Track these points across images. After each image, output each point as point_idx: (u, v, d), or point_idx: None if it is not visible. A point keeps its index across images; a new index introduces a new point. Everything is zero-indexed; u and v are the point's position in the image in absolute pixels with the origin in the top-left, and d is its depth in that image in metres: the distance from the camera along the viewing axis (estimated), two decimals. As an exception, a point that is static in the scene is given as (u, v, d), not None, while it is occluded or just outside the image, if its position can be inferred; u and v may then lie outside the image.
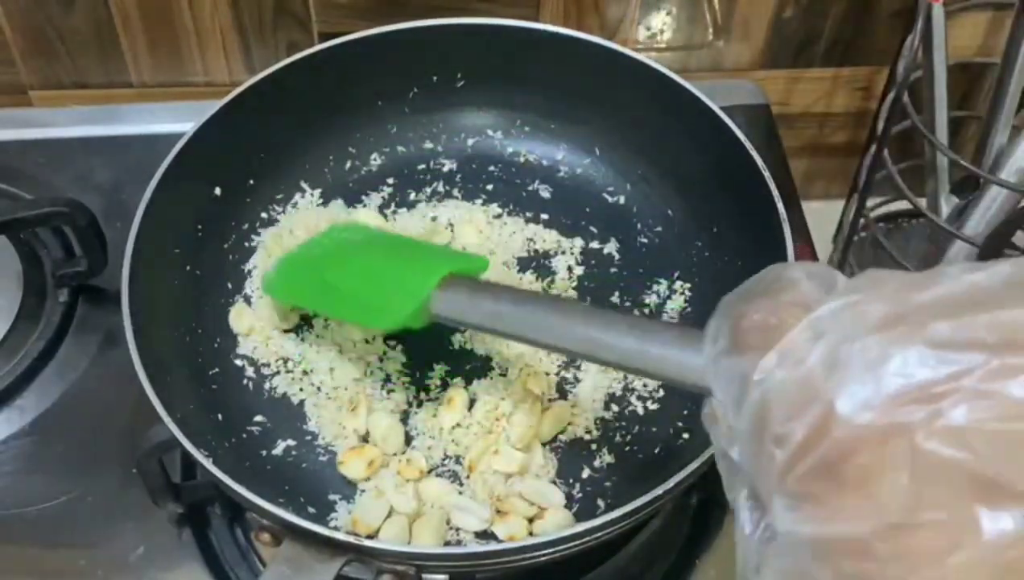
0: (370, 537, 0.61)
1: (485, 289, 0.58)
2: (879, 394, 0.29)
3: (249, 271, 0.75)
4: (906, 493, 0.27)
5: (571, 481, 0.66)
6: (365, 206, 0.79)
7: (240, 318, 0.72)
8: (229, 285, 0.75)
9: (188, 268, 0.72)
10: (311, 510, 0.64)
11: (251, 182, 0.78)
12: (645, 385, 0.70)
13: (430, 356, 0.71)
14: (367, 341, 0.71)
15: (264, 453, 0.67)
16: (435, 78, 0.81)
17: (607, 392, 0.69)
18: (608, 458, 0.67)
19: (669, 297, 0.74)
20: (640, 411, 0.69)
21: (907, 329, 0.29)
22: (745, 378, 0.32)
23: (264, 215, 0.78)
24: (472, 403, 0.68)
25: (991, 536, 0.26)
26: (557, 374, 0.70)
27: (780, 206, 0.66)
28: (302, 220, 0.78)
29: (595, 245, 0.77)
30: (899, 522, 0.27)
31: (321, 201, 0.79)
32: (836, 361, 0.30)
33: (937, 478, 0.27)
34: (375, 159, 0.82)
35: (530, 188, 0.81)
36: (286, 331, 0.72)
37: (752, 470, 0.32)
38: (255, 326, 0.72)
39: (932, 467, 0.27)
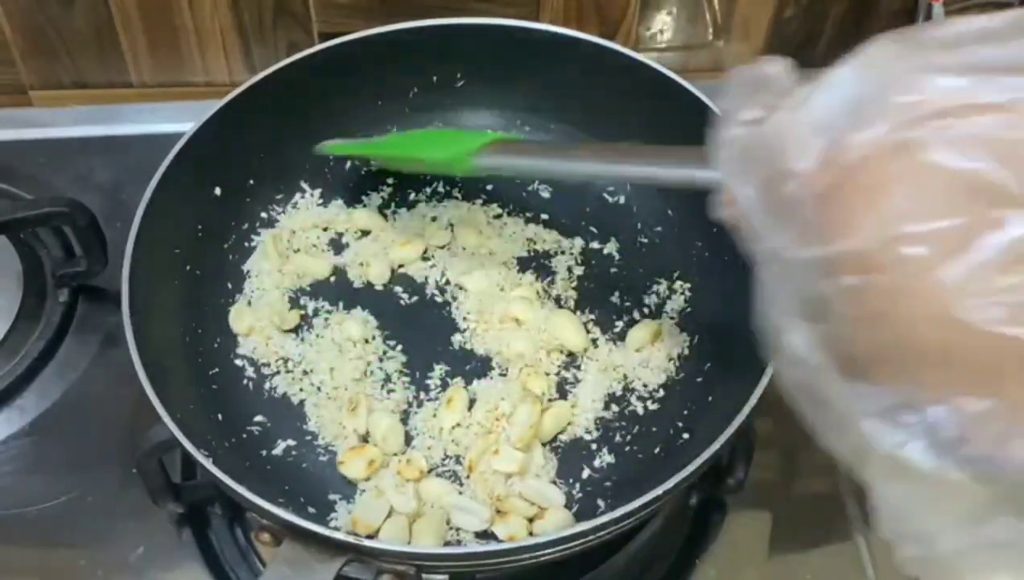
0: (370, 537, 0.61)
1: (521, 146, 0.69)
2: (886, 116, 0.29)
3: (249, 271, 0.75)
4: (910, 204, 0.27)
5: (571, 481, 0.66)
6: (365, 206, 0.79)
7: (240, 318, 0.72)
8: (229, 285, 0.75)
9: (188, 268, 0.72)
10: (311, 510, 0.64)
11: (251, 182, 0.78)
12: (645, 385, 0.70)
13: (430, 356, 0.71)
14: (367, 341, 0.71)
15: (264, 453, 0.67)
16: (435, 78, 0.81)
17: (607, 392, 0.69)
18: (608, 458, 0.67)
19: (669, 297, 0.74)
20: (640, 411, 0.69)
21: (915, 59, 0.29)
22: (757, 132, 0.33)
23: (264, 215, 0.78)
24: (472, 403, 0.68)
25: (994, 240, 0.26)
26: (557, 374, 0.70)
27: (780, 206, 0.66)
28: (302, 220, 0.78)
29: (595, 245, 0.77)
30: (900, 233, 0.27)
31: (321, 201, 0.79)
32: (844, 97, 0.30)
33: (943, 189, 0.27)
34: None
35: (530, 188, 0.81)
36: (286, 331, 0.72)
37: (768, 222, 0.32)
38: (255, 326, 0.72)
39: (938, 179, 0.27)
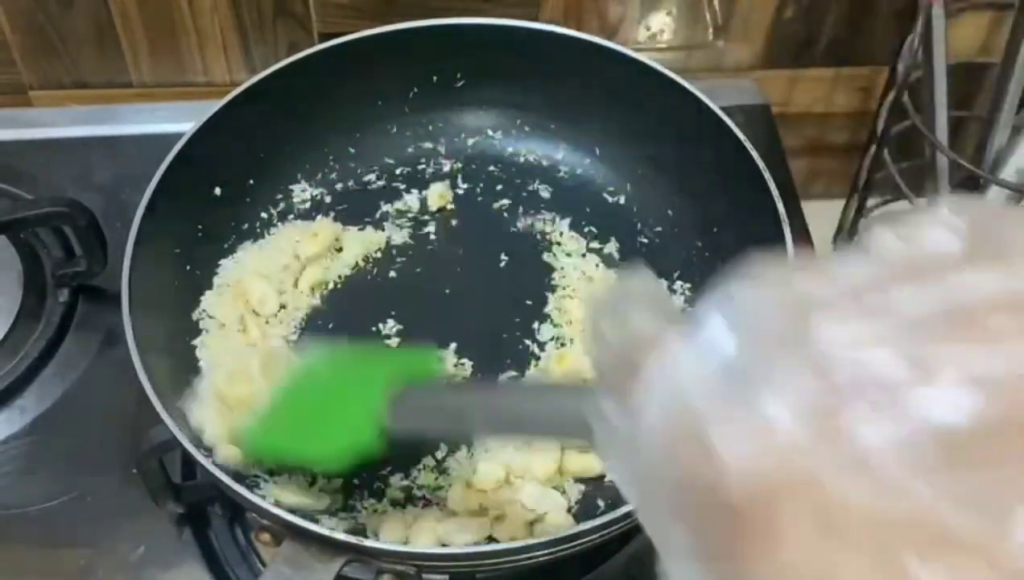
0: (370, 537, 0.61)
1: (422, 398, 0.55)
2: (768, 431, 0.23)
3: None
4: (817, 560, 0.22)
5: (571, 481, 0.66)
6: (364, 204, 0.79)
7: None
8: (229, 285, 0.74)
9: (188, 268, 0.72)
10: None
11: (251, 182, 0.78)
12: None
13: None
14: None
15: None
16: (435, 78, 0.81)
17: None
18: (608, 458, 0.67)
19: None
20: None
21: (792, 335, 0.24)
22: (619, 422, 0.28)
23: (264, 215, 0.78)
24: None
25: None
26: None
27: (780, 206, 0.66)
28: (302, 221, 0.78)
29: (595, 245, 0.77)
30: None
31: (321, 202, 0.79)
32: (710, 389, 0.25)
33: (854, 532, 0.22)
34: (375, 159, 0.82)
35: (530, 188, 0.81)
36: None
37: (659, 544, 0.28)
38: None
39: (846, 520, 0.22)
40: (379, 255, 0.77)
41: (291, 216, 0.78)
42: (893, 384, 0.22)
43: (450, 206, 0.80)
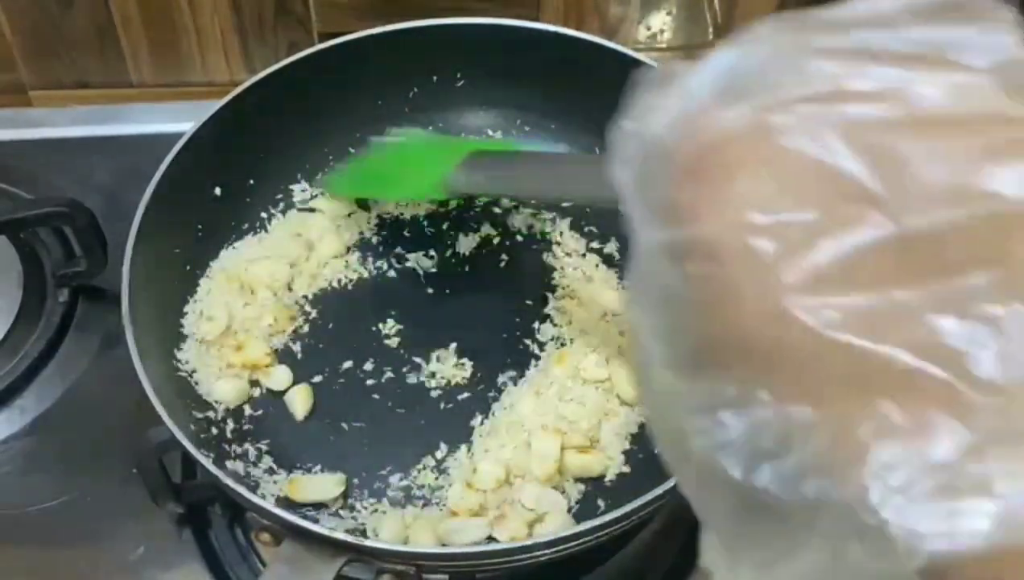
0: (370, 537, 0.61)
1: (491, 163, 0.67)
2: (755, 96, 0.27)
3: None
4: (761, 192, 0.25)
5: (571, 482, 0.66)
6: (366, 207, 0.79)
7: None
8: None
9: (188, 268, 0.72)
10: (311, 511, 0.64)
11: (251, 182, 0.78)
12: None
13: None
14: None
15: (264, 453, 0.67)
16: (435, 78, 0.81)
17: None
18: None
19: (669, 297, 0.74)
20: (640, 411, 0.69)
21: (799, 40, 0.28)
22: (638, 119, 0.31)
23: (264, 215, 0.78)
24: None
25: (841, 240, 0.24)
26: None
27: (780, 206, 0.66)
28: (301, 222, 0.78)
29: (595, 245, 0.77)
30: (747, 222, 0.25)
31: (320, 202, 0.79)
32: (719, 74, 0.29)
33: (798, 178, 0.25)
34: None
35: (530, 188, 0.81)
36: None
37: (642, 211, 0.30)
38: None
39: (795, 167, 0.25)
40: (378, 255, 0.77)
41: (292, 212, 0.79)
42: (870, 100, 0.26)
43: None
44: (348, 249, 0.77)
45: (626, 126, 0.32)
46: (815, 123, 0.26)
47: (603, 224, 0.78)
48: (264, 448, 0.67)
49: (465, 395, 0.69)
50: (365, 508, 0.65)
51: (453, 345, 0.71)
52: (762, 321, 0.25)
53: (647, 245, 0.28)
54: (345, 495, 0.65)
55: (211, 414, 0.67)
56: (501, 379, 0.70)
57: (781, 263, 0.25)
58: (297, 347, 0.72)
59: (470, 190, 0.70)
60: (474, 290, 0.75)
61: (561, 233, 0.78)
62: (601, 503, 0.65)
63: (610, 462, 0.66)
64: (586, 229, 0.78)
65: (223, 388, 0.68)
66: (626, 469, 0.66)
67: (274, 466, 0.66)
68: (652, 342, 0.28)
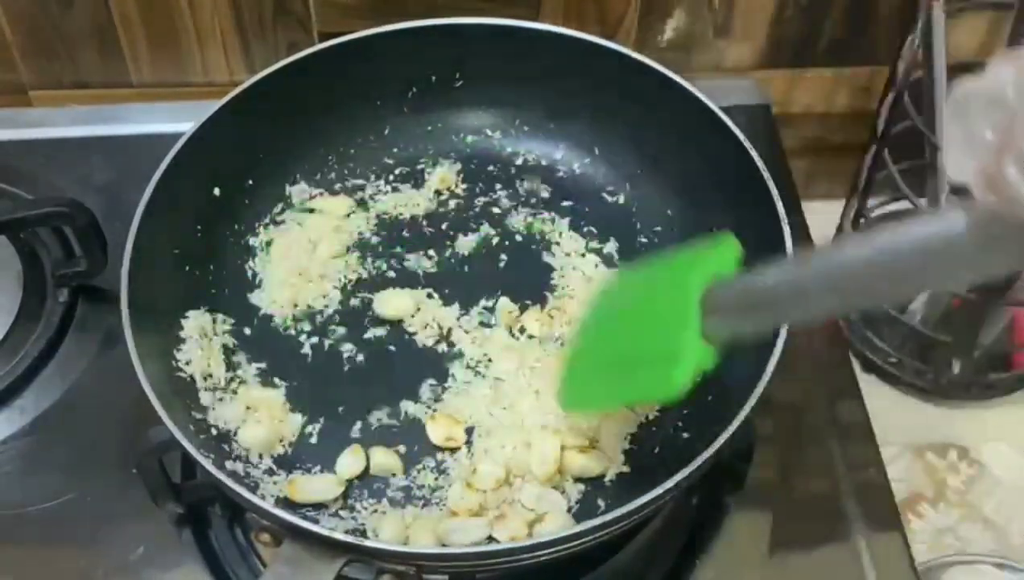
0: (369, 537, 0.61)
1: (746, 287, 0.51)
2: None
3: (249, 270, 0.76)
4: None
5: (571, 482, 0.66)
6: (365, 207, 0.79)
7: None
8: (228, 286, 0.74)
9: (188, 268, 0.72)
10: (311, 511, 0.64)
11: (251, 182, 0.78)
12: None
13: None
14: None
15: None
16: (434, 78, 0.81)
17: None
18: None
19: (669, 297, 0.74)
20: (639, 410, 0.69)
21: None
22: None
23: (264, 215, 0.78)
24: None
25: None
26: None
27: (780, 206, 0.66)
28: (302, 220, 0.78)
29: (595, 245, 0.77)
30: None
31: (320, 202, 0.79)
32: None
33: None
34: (374, 159, 0.82)
35: (529, 188, 0.81)
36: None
37: None
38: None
39: None
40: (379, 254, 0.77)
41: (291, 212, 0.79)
42: None
43: (453, 189, 0.80)
44: (348, 249, 0.77)
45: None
46: None
47: (603, 224, 0.78)
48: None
49: (464, 394, 0.70)
50: (365, 508, 0.65)
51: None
52: None
53: None
54: (345, 495, 0.65)
55: (211, 415, 0.67)
56: (500, 379, 0.70)
57: None
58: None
59: (738, 332, 0.52)
60: (474, 290, 0.75)
61: (560, 233, 0.78)
62: (601, 503, 0.65)
63: (610, 462, 0.66)
64: (585, 229, 0.78)
65: (248, 434, 0.67)
66: (626, 469, 0.66)
67: (274, 466, 0.66)
68: None
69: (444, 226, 0.79)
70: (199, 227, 0.74)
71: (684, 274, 0.53)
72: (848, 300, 0.47)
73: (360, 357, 0.72)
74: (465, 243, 0.77)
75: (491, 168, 0.82)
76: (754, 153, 0.69)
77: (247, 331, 0.73)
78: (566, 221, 0.78)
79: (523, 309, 0.73)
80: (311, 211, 0.79)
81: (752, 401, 0.58)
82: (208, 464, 0.58)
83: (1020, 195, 0.33)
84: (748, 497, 0.71)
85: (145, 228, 0.66)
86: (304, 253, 0.76)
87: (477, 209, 0.79)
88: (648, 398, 0.61)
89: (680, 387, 0.52)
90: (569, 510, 0.64)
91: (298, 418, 0.68)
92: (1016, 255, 0.35)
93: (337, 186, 0.80)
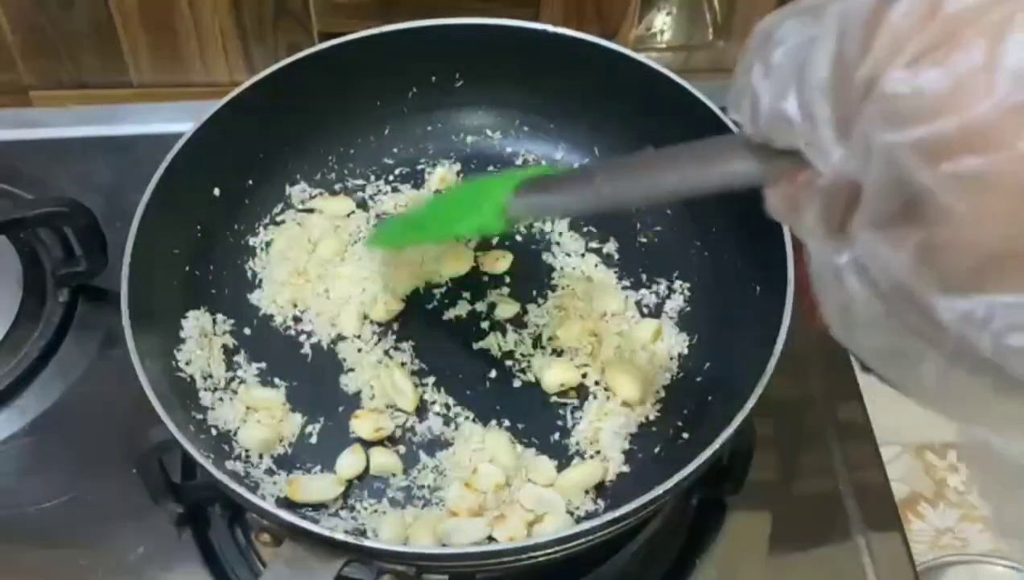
0: (369, 537, 0.61)
1: (550, 183, 0.57)
2: None
3: (249, 271, 0.76)
4: None
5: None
6: (365, 207, 0.79)
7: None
8: (228, 286, 0.74)
9: (188, 268, 0.72)
10: (311, 511, 0.64)
11: (251, 182, 0.78)
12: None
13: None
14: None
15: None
16: (434, 78, 0.81)
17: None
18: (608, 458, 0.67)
19: (668, 297, 0.74)
20: (640, 410, 0.69)
21: None
22: (807, 32, 0.29)
23: (264, 215, 0.78)
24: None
25: None
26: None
27: (780, 206, 0.66)
28: (302, 220, 0.78)
29: (594, 245, 0.77)
30: None
31: (320, 202, 0.79)
32: None
33: None
34: (374, 159, 0.82)
35: (530, 188, 0.81)
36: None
37: (822, 110, 0.26)
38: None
39: None
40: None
41: (292, 211, 0.79)
42: None
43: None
44: (347, 249, 0.77)
45: (780, 28, 0.30)
46: None
47: (602, 224, 0.78)
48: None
49: (463, 395, 0.70)
50: (365, 508, 0.65)
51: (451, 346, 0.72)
52: None
53: (881, 148, 0.24)
54: (345, 495, 0.65)
55: (211, 415, 0.68)
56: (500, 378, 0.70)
57: None
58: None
59: (535, 214, 0.66)
60: (473, 290, 0.75)
61: (560, 233, 0.78)
62: (601, 503, 0.65)
63: (610, 462, 0.66)
64: (585, 229, 0.78)
65: (249, 434, 0.67)
66: (626, 469, 0.66)
67: (274, 466, 0.66)
68: (894, 273, 0.25)
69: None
70: (199, 227, 0.74)
71: (500, 177, 0.61)
72: (627, 192, 0.51)
73: (360, 357, 0.72)
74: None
75: (491, 168, 0.82)
76: (754, 153, 0.69)
77: (247, 331, 0.73)
78: (566, 221, 0.78)
79: (524, 310, 0.73)
80: (311, 211, 0.79)
81: (752, 401, 0.58)
82: (208, 464, 0.58)
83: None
84: (748, 497, 0.71)
85: (145, 228, 0.66)
86: (304, 253, 0.76)
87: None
88: (435, 237, 0.73)
89: (463, 232, 0.69)
90: (569, 510, 0.64)
91: (298, 418, 0.68)
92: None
93: (337, 186, 0.81)
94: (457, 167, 0.81)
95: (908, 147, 0.23)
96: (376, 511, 0.64)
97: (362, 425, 0.67)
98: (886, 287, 0.26)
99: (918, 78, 0.23)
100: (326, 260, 0.75)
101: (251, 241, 0.77)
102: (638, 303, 0.74)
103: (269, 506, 0.56)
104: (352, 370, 0.70)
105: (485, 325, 0.73)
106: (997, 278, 0.23)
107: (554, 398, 0.69)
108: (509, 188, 0.57)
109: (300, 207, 0.79)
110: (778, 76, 0.31)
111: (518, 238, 0.78)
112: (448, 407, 0.69)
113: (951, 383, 0.27)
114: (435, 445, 0.67)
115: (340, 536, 0.54)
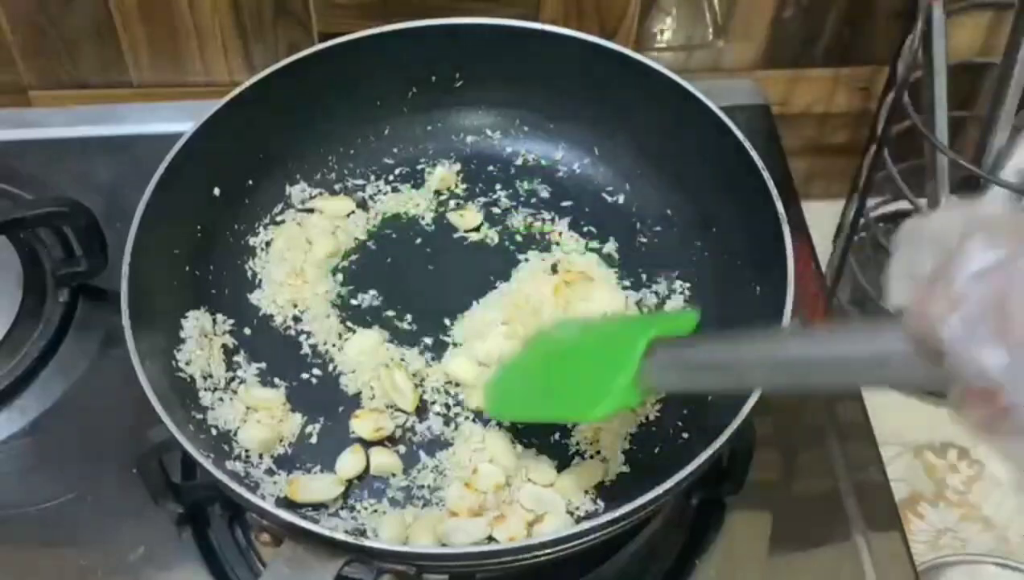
0: (369, 537, 0.61)
1: (687, 350, 0.54)
2: None
3: (249, 270, 0.76)
4: None
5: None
6: (365, 207, 0.79)
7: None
8: (228, 286, 0.74)
9: (188, 268, 0.72)
10: (311, 511, 0.64)
11: (250, 182, 0.78)
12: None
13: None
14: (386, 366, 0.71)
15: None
16: (434, 78, 0.81)
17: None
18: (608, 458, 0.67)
19: (669, 297, 0.74)
20: (640, 410, 0.69)
21: None
22: None
23: (264, 215, 0.78)
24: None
25: None
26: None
27: (780, 206, 0.66)
28: (301, 220, 0.78)
29: (595, 245, 0.77)
30: None
31: (320, 202, 0.79)
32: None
33: None
34: (374, 159, 0.82)
35: (528, 187, 0.81)
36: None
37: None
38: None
39: None
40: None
41: (292, 211, 0.79)
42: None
43: (453, 189, 0.80)
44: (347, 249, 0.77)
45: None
46: None
47: (603, 224, 0.78)
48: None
49: (463, 395, 0.70)
50: (365, 508, 0.65)
51: (451, 343, 0.71)
52: None
53: None
54: (345, 495, 0.65)
55: (211, 415, 0.68)
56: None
57: None
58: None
59: (671, 387, 0.61)
60: (473, 290, 0.75)
61: (561, 233, 0.78)
62: (601, 503, 0.65)
63: (610, 462, 0.66)
64: (585, 229, 0.78)
65: (249, 434, 0.67)
66: (626, 469, 0.66)
67: (274, 466, 0.66)
68: None
69: (444, 225, 0.79)
70: (199, 227, 0.74)
71: (637, 326, 0.57)
72: (775, 382, 0.52)
73: (360, 357, 0.72)
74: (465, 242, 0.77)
75: (491, 168, 0.82)
76: (754, 153, 0.69)
77: (247, 331, 0.73)
78: (566, 221, 0.78)
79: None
80: (311, 211, 0.79)
81: (752, 401, 0.58)
82: (208, 464, 0.58)
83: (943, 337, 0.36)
84: (748, 497, 0.71)
85: (145, 228, 0.66)
86: (304, 253, 0.76)
87: (477, 209, 0.79)
88: (567, 418, 0.65)
89: (599, 416, 0.56)
90: (569, 510, 0.64)
91: (298, 418, 0.68)
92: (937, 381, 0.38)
93: (337, 186, 0.81)
94: (457, 167, 0.81)
95: None
96: (376, 511, 0.64)
97: (362, 425, 0.67)
98: None
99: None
100: (324, 260, 0.76)
101: (251, 241, 0.77)
102: (638, 303, 0.74)
103: (269, 506, 0.56)
104: (352, 370, 0.70)
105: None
106: None
107: (554, 398, 0.69)
108: (643, 345, 0.52)
109: (300, 207, 0.79)
110: (969, 317, 0.35)
111: (518, 238, 0.78)
112: (448, 407, 0.69)
113: None
114: (435, 445, 0.67)
115: (340, 536, 0.54)
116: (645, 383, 0.53)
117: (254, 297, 0.74)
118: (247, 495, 0.56)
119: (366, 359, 0.70)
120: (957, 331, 0.35)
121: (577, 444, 0.67)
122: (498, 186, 0.81)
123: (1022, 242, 0.34)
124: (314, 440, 0.68)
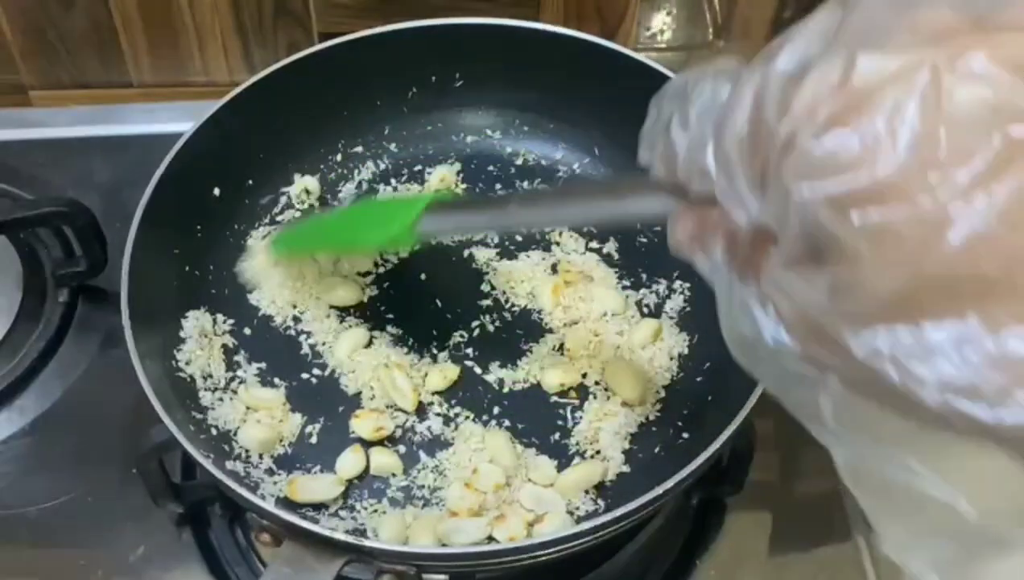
0: (369, 537, 0.61)
1: (463, 204, 0.63)
2: (898, 39, 0.27)
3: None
4: (934, 126, 0.26)
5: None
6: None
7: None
8: (228, 286, 0.74)
9: (188, 268, 0.72)
10: (311, 511, 0.64)
11: (250, 182, 0.78)
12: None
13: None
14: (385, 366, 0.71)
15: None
16: (434, 78, 0.81)
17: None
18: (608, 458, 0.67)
19: (668, 297, 0.74)
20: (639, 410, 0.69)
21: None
22: (734, 83, 0.31)
23: (264, 215, 0.78)
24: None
25: None
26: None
27: (780, 206, 0.66)
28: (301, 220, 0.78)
29: (594, 245, 0.77)
30: (929, 158, 0.25)
31: (320, 201, 0.79)
32: (827, 32, 0.30)
33: (965, 113, 0.26)
34: (374, 159, 0.82)
35: (528, 187, 0.81)
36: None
37: (739, 165, 0.30)
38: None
39: (959, 103, 0.26)
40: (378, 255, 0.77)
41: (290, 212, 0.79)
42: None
43: (453, 189, 0.80)
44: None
45: (697, 95, 0.34)
46: (967, 62, 0.26)
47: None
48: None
49: (463, 395, 0.70)
50: (365, 508, 0.65)
51: (451, 343, 0.72)
52: (969, 255, 0.25)
53: (800, 204, 0.28)
54: (345, 495, 0.65)
55: (211, 415, 0.68)
56: (499, 380, 0.70)
57: (974, 194, 0.25)
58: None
59: (447, 230, 0.68)
60: (473, 290, 0.75)
61: (561, 233, 0.78)
62: (601, 503, 0.65)
63: (610, 462, 0.66)
64: (586, 229, 0.78)
65: (249, 434, 0.67)
66: (626, 469, 0.66)
67: (274, 466, 0.66)
68: (809, 307, 0.29)
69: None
70: (199, 227, 0.74)
71: (417, 198, 0.67)
72: (539, 217, 0.57)
73: (360, 357, 0.72)
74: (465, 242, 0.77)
75: (491, 168, 0.82)
76: (754, 153, 0.69)
77: (247, 331, 0.73)
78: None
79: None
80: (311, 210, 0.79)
81: (752, 401, 0.58)
82: (208, 464, 0.58)
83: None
84: (748, 497, 0.71)
85: (145, 228, 0.66)
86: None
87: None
88: (345, 250, 0.73)
89: (376, 243, 0.68)
90: (569, 510, 0.64)
91: (298, 418, 0.68)
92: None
93: (337, 187, 0.80)
94: (457, 167, 0.81)
95: (822, 200, 0.27)
96: (376, 511, 0.64)
97: (362, 425, 0.67)
98: (793, 319, 0.30)
99: (831, 140, 0.27)
100: (324, 260, 0.76)
101: (251, 241, 0.77)
102: (638, 303, 0.74)
103: (269, 506, 0.56)
104: (352, 370, 0.70)
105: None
106: (902, 313, 0.27)
107: (554, 398, 0.69)
108: (421, 206, 0.59)
109: (300, 207, 0.79)
110: (696, 130, 0.35)
111: (518, 238, 0.78)
112: (448, 407, 0.69)
113: (844, 414, 0.31)
114: (435, 445, 0.67)
115: (340, 536, 0.54)
116: (422, 227, 0.59)
117: (254, 297, 0.74)
118: (247, 495, 0.56)
119: (361, 358, 0.70)
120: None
121: (577, 444, 0.67)
122: (498, 186, 0.81)
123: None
124: (314, 440, 0.68)
